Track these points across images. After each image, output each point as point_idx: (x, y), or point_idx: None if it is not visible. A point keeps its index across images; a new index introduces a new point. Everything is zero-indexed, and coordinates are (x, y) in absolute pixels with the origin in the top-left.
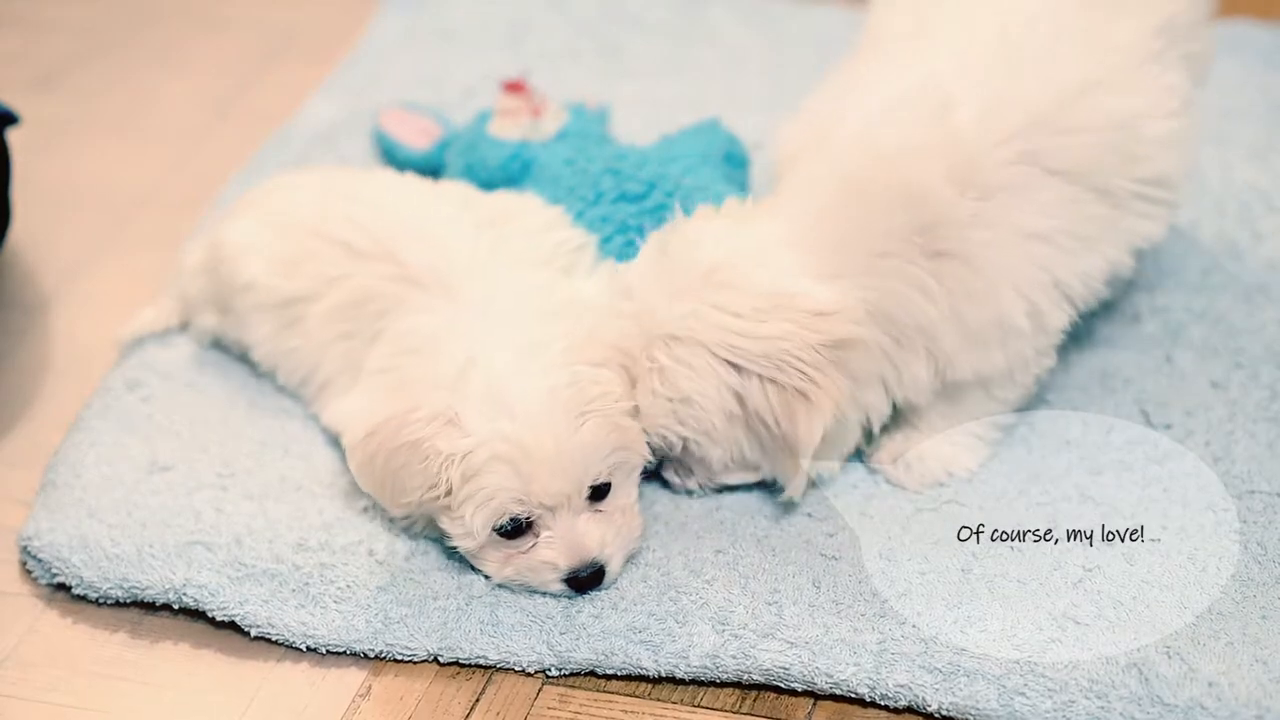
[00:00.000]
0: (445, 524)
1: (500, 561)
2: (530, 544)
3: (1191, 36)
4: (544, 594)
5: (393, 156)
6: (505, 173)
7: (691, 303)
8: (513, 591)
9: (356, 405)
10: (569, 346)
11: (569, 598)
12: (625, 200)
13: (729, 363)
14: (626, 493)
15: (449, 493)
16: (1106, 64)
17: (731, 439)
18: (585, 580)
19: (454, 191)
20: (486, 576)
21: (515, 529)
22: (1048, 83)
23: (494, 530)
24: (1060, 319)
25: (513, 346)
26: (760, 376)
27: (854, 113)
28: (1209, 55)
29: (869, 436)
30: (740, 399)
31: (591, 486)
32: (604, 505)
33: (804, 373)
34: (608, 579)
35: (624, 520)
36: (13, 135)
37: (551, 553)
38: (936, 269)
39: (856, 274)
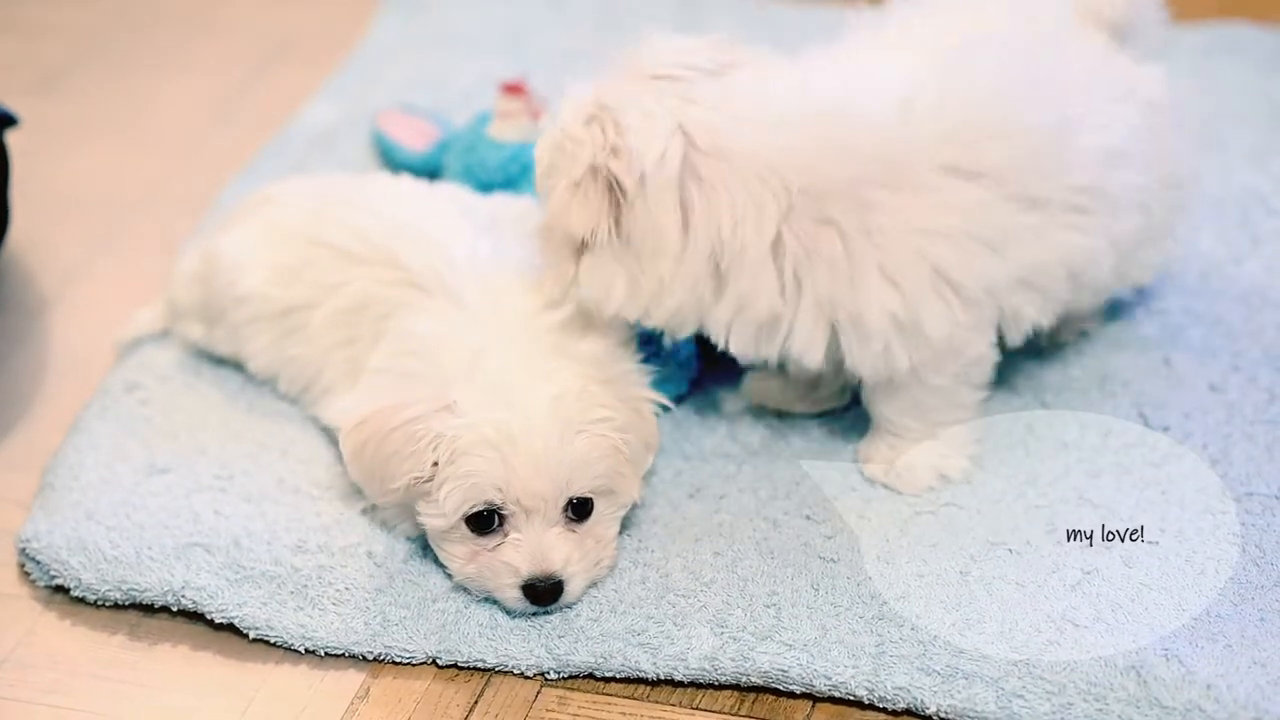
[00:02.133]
0: (421, 506)
1: (464, 557)
2: (497, 543)
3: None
4: (499, 604)
5: (391, 158)
6: (504, 174)
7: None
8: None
9: (354, 404)
10: (583, 373)
11: (522, 612)
12: None
13: (554, 143)
14: (607, 525)
15: (431, 478)
16: (1063, 66)
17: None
18: (542, 592)
19: (452, 195)
20: (449, 576)
21: (486, 523)
22: (982, 85)
23: (465, 519)
24: (944, 319)
25: (523, 352)
26: (550, 165)
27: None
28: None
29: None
30: (541, 176)
31: (571, 501)
32: (581, 527)
33: (562, 179)
34: (565, 598)
35: (596, 547)
36: (12, 138)
37: (516, 555)
38: (814, 233)
39: (727, 161)
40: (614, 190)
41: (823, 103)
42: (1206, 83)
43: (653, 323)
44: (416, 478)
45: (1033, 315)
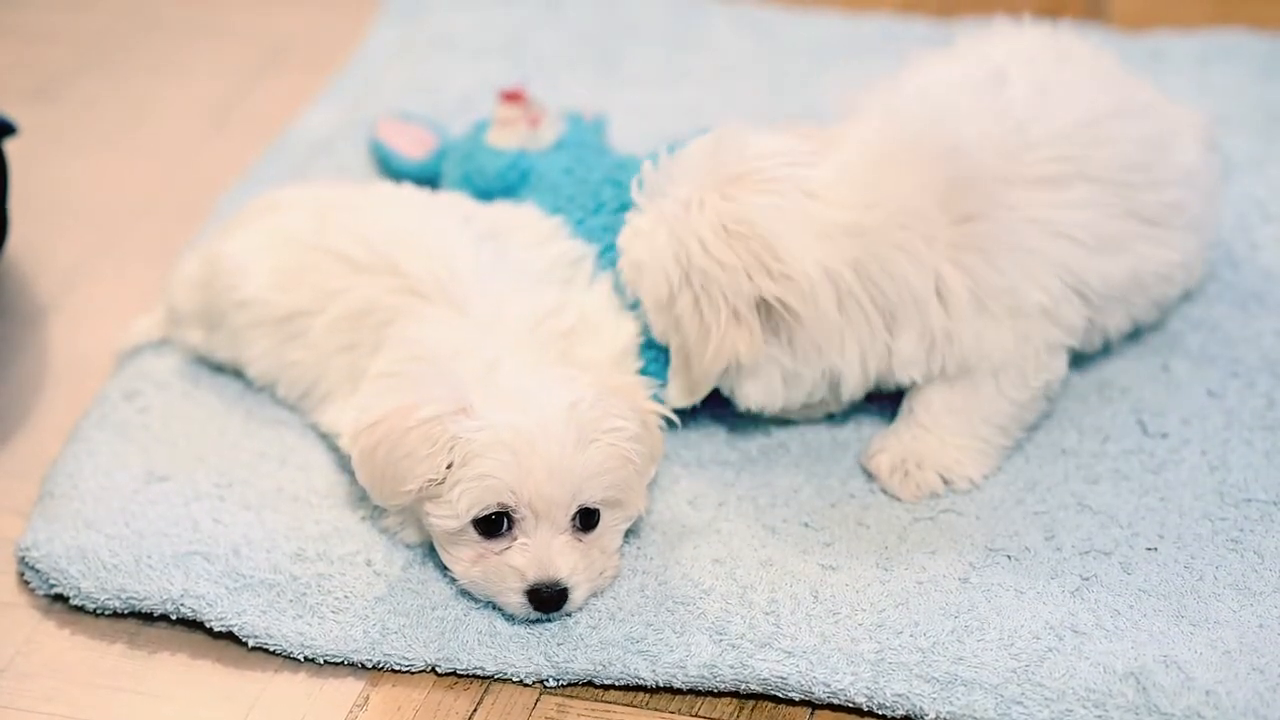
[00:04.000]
0: (429, 508)
1: (470, 559)
2: (504, 547)
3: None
4: (499, 610)
5: (389, 166)
6: (503, 181)
7: (702, 188)
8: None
9: (354, 410)
10: (596, 382)
11: (524, 618)
12: (625, 211)
13: (678, 261)
14: (612, 537)
15: (443, 481)
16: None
17: (663, 322)
18: (547, 599)
19: (453, 203)
20: (451, 580)
21: (495, 526)
22: (1097, 92)
23: (474, 522)
24: (1072, 314)
25: (533, 359)
26: (692, 290)
27: (912, 82)
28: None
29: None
30: (671, 296)
31: (580, 510)
32: (587, 537)
33: (720, 311)
34: (568, 605)
35: (601, 558)
36: (10, 145)
37: (522, 560)
38: (960, 233)
39: (872, 232)
40: (776, 311)
41: (928, 138)
42: (1203, 89)
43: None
44: (431, 479)
45: (1115, 329)
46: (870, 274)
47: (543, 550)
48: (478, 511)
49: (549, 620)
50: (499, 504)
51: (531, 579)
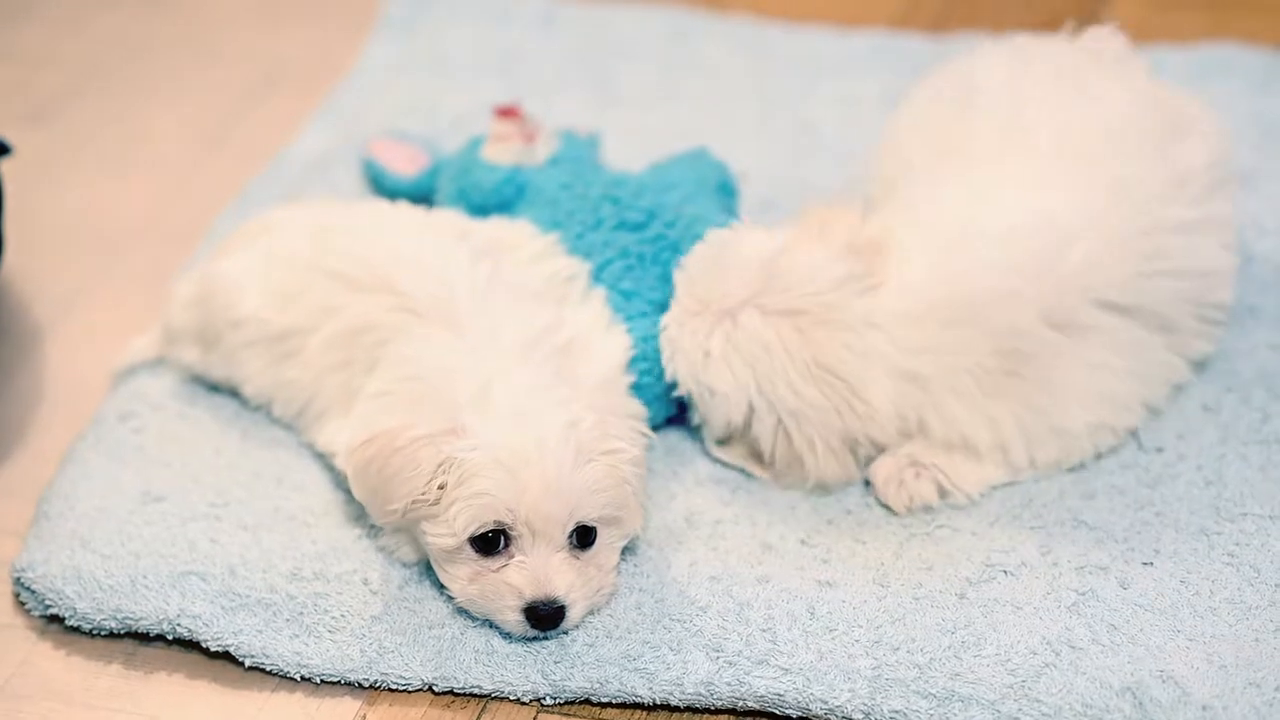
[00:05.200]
0: (426, 526)
1: (467, 577)
2: (501, 564)
3: (1226, 156)
4: (496, 629)
5: (381, 184)
6: (499, 196)
7: (781, 319)
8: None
9: (351, 429)
10: (595, 403)
11: (521, 636)
12: (625, 229)
13: (762, 393)
14: (609, 555)
15: (437, 500)
16: (1185, 198)
17: (731, 433)
18: (544, 617)
19: (449, 221)
20: (449, 599)
21: (492, 544)
22: (1149, 229)
23: (471, 540)
24: (1118, 425)
25: (529, 378)
26: (779, 419)
27: (976, 235)
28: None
29: None
30: (748, 424)
31: (577, 527)
32: (584, 555)
33: (814, 443)
34: (566, 623)
35: (598, 575)
36: (5, 167)
37: (519, 578)
38: (1004, 382)
39: (931, 378)
40: (858, 441)
41: (974, 290)
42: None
43: None
44: (417, 500)
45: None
46: (927, 415)
47: (540, 568)
48: (475, 530)
49: (546, 638)
50: (495, 522)
51: (529, 597)
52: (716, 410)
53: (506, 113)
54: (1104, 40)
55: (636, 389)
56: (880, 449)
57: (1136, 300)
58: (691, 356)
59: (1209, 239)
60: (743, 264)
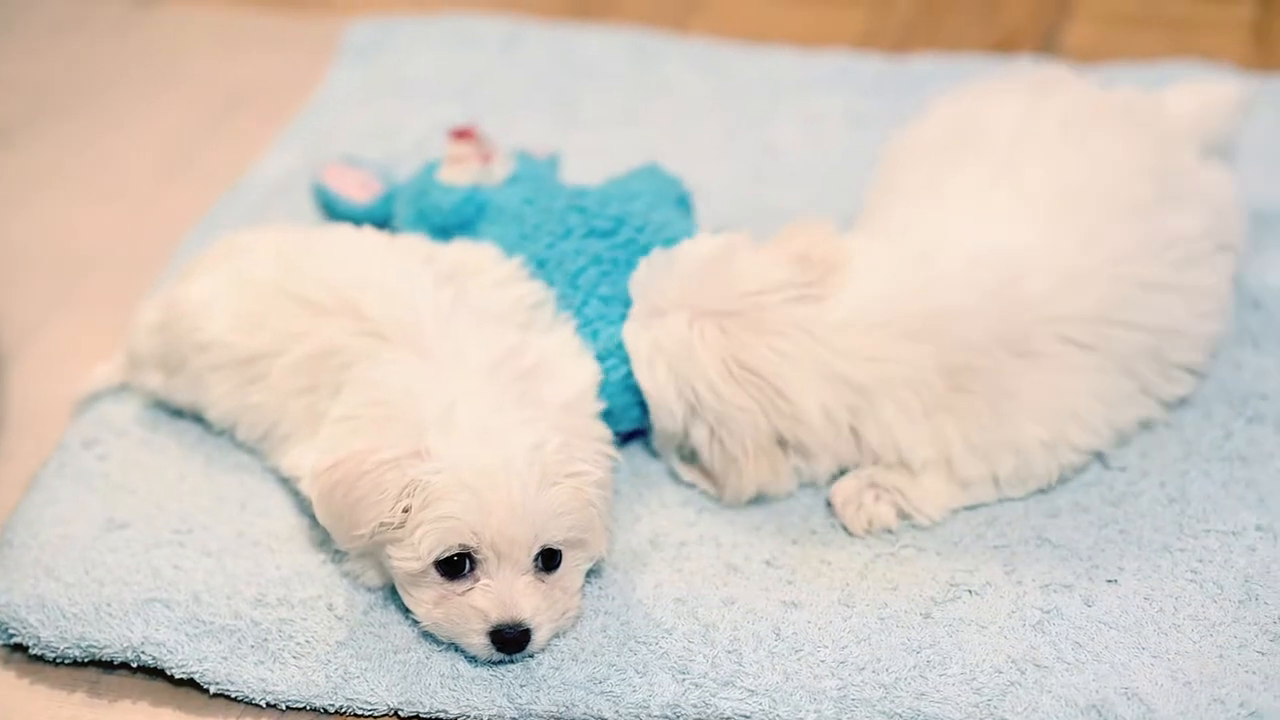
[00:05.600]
0: (391, 550)
1: (432, 601)
2: (466, 588)
3: (1228, 229)
4: (462, 652)
5: (334, 210)
6: (459, 216)
7: (700, 315)
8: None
9: (315, 453)
10: (560, 425)
11: (487, 660)
12: (595, 236)
13: (682, 397)
14: (574, 578)
15: (402, 524)
16: (1164, 260)
17: (681, 443)
18: (510, 640)
19: (413, 244)
20: (414, 622)
21: (457, 567)
22: (1117, 280)
23: (436, 563)
24: (1078, 443)
25: (494, 400)
26: (707, 425)
27: (938, 255)
28: (1240, 246)
29: None
30: (684, 430)
31: (542, 550)
32: (549, 578)
33: (745, 445)
34: (531, 646)
35: (563, 598)
36: None
37: (485, 601)
38: (952, 398)
39: (871, 388)
40: (788, 444)
41: (931, 303)
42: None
43: None
44: (384, 523)
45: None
46: (863, 424)
47: (505, 591)
48: (440, 553)
49: (511, 662)
50: (460, 545)
51: (494, 620)
52: (655, 415)
53: (462, 134)
54: (1137, 98)
55: (619, 394)
56: (815, 458)
57: (1095, 342)
58: (634, 360)
59: (1179, 302)
60: (683, 267)
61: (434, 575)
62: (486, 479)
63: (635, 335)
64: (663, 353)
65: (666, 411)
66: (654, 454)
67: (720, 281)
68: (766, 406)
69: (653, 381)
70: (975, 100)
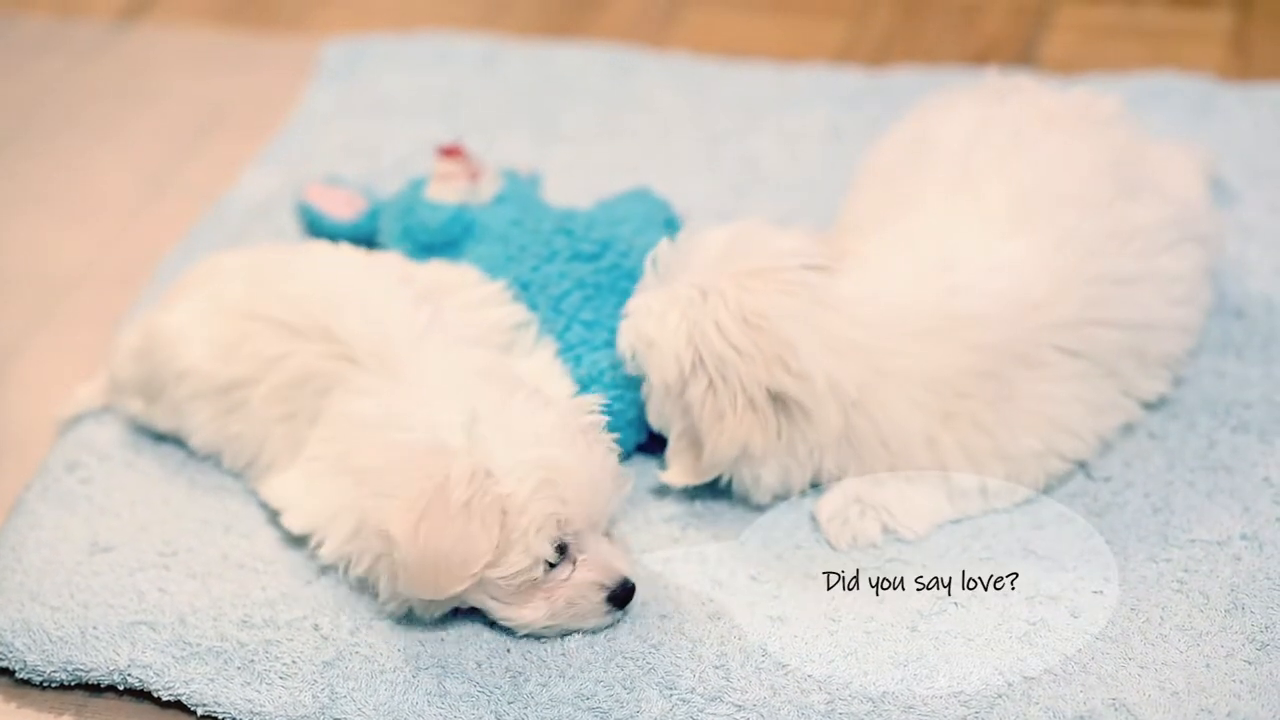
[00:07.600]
0: (490, 574)
1: (543, 600)
2: (569, 572)
3: (1193, 219)
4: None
5: (319, 228)
6: (446, 235)
7: (720, 276)
8: (459, 663)
9: (296, 485)
10: (554, 399)
11: (600, 626)
12: (580, 260)
13: (691, 343)
14: (619, 539)
15: (497, 544)
16: (1129, 253)
17: (669, 405)
18: (623, 596)
19: (391, 264)
20: (521, 636)
21: (555, 559)
22: (1092, 280)
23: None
24: (1069, 452)
25: (503, 401)
26: (707, 374)
27: (955, 261)
28: (1213, 238)
29: None
30: (682, 379)
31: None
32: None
33: (737, 398)
34: (635, 597)
35: (626, 554)
36: None
37: (594, 574)
38: (954, 403)
39: (884, 373)
40: (788, 407)
41: (954, 306)
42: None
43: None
44: (498, 546)
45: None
46: (869, 402)
47: (604, 557)
48: (549, 550)
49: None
50: (559, 535)
51: (611, 584)
52: (653, 365)
53: (450, 152)
54: (1092, 100)
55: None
56: (807, 425)
57: (1080, 347)
58: (636, 316)
59: (1151, 291)
60: (704, 244)
61: (540, 575)
62: (555, 467)
63: (647, 299)
64: (678, 302)
65: (673, 358)
66: (639, 471)
67: (739, 254)
68: (771, 357)
69: (663, 329)
70: (923, 115)
